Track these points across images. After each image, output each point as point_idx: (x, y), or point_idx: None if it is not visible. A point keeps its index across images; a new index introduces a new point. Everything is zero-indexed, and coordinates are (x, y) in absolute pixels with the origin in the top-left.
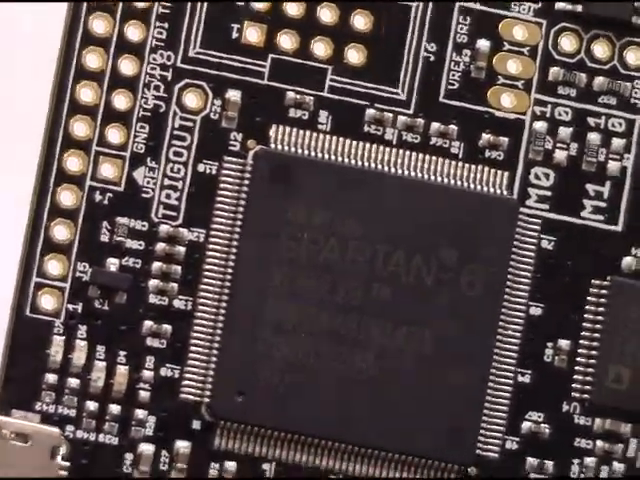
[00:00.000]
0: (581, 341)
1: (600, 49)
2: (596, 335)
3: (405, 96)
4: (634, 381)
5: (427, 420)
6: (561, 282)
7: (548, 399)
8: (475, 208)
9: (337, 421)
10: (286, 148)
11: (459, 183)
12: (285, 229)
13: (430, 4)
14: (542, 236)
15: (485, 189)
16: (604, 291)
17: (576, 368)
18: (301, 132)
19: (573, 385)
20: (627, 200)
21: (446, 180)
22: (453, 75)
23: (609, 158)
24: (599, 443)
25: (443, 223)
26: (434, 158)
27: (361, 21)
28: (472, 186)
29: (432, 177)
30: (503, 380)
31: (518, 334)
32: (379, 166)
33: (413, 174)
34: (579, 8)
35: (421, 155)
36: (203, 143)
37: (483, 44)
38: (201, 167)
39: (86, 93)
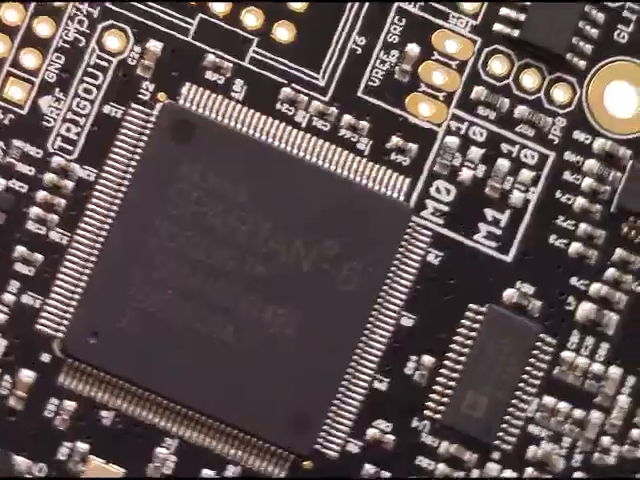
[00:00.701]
0: (446, 361)
1: (529, 79)
2: (462, 359)
3: (324, 83)
4: (489, 412)
5: (274, 403)
6: (439, 299)
7: (400, 411)
8: (368, 207)
9: (185, 384)
10: (194, 108)
11: (358, 179)
12: (175, 185)
13: None
14: (430, 249)
15: (383, 190)
16: (479, 317)
17: (434, 387)
18: (213, 95)
19: (427, 403)
20: (523, 233)
21: (346, 173)
22: (376, 73)
23: (514, 188)
24: (441, 466)
25: (334, 214)
26: (339, 149)
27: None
28: (370, 185)
29: (333, 167)
30: (358, 382)
31: (384, 340)
32: (283, 145)
33: (315, 160)
34: (516, 33)
35: (327, 144)
36: (114, 86)
37: (413, 49)
38: (107, 109)
39: (11, 13)
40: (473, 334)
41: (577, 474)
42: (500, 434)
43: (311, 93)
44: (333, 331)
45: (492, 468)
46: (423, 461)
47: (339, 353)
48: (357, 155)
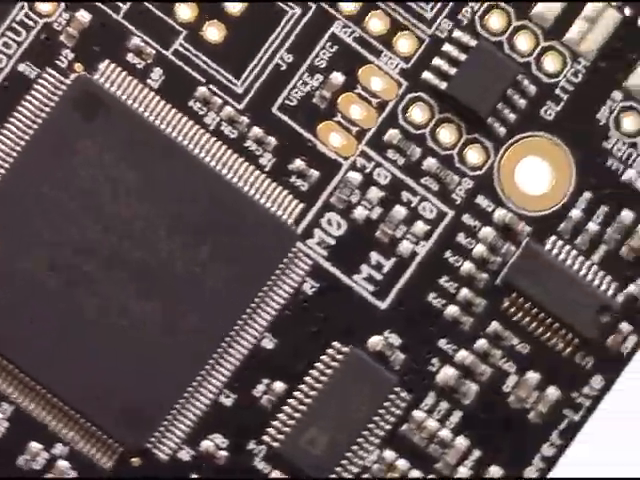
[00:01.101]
0: (296, 392)
1: (446, 133)
2: (312, 393)
3: (242, 90)
4: (327, 451)
5: (115, 392)
6: (304, 329)
7: (239, 430)
8: (255, 222)
9: (33, 352)
10: (107, 85)
11: (252, 192)
12: (70, 157)
13: (305, 18)
14: (307, 278)
15: (274, 210)
16: (339, 356)
17: (279, 414)
18: (129, 78)
19: (268, 428)
20: (403, 284)
21: (242, 184)
22: (295, 92)
23: (405, 237)
24: None
25: (220, 221)
26: (240, 160)
27: (236, 4)
28: (263, 201)
29: (230, 176)
30: (205, 391)
31: (240, 356)
32: (186, 142)
33: (214, 164)
34: (443, 86)
35: (230, 151)
36: (35, 47)
37: (337, 77)
38: (22, 67)
39: None
40: (329, 372)
41: None
42: (332, 476)
43: (226, 98)
44: (192, 336)
45: None
46: None
47: (192, 359)
48: (257, 169)
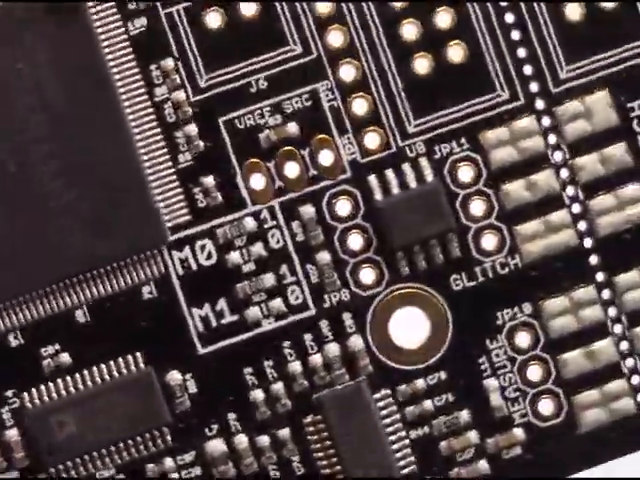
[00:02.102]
0: (79, 374)
1: (355, 240)
2: (92, 383)
3: (204, 85)
4: (66, 442)
5: None
6: (122, 323)
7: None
8: (138, 205)
9: None
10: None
11: (151, 178)
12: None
13: (301, 60)
14: (150, 283)
15: (161, 205)
16: (134, 369)
17: (51, 381)
18: (112, 11)
19: (34, 389)
20: (229, 344)
21: (147, 164)
22: (248, 118)
23: (258, 305)
24: None
25: (107, 184)
26: (162, 144)
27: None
28: (156, 192)
29: (142, 151)
30: None
31: (50, 311)
32: (123, 95)
33: (135, 131)
34: (378, 196)
35: (157, 130)
36: None
37: (293, 128)
38: None
39: None
40: (119, 376)
41: None
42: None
43: (186, 83)
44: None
45: None
46: None
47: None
48: (171, 162)
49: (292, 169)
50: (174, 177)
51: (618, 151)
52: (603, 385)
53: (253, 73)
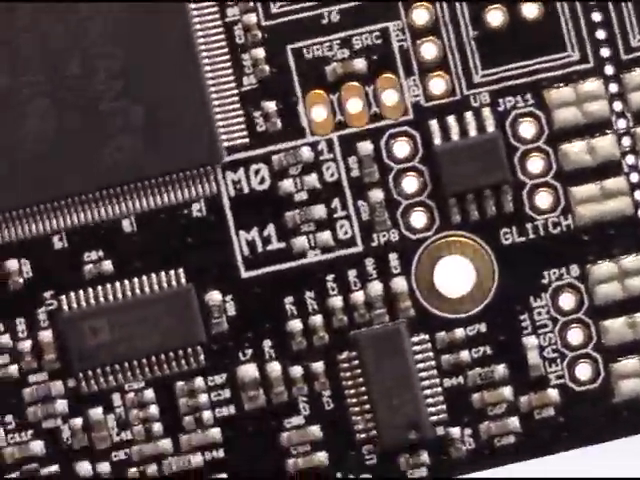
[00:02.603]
0: (119, 283)
1: (410, 183)
2: (132, 293)
3: (276, 10)
4: (98, 348)
5: None
6: (177, 239)
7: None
8: (197, 120)
9: None
10: None
11: (213, 96)
12: None
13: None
14: (201, 202)
15: (220, 125)
16: (175, 284)
17: (91, 288)
18: None
19: (72, 293)
20: (272, 270)
21: (210, 82)
22: (317, 49)
23: (305, 235)
24: None
25: (165, 97)
26: (228, 64)
27: None
28: (217, 110)
29: (206, 69)
30: None
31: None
32: (195, 17)
33: (203, 55)
34: (437, 141)
35: (225, 50)
36: None
37: (361, 62)
38: None
39: None
40: (159, 290)
41: None
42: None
43: (260, 9)
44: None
45: None
46: None
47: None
48: (235, 83)
49: (355, 105)
50: (237, 98)
51: None
52: None
53: (326, 5)
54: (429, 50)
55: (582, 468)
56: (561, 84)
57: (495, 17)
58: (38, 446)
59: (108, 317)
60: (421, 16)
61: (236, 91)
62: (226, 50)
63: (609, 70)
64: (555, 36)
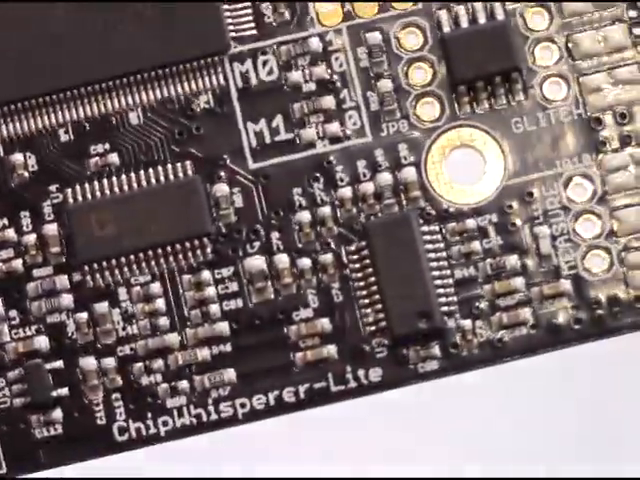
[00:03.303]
0: (124, 176)
1: (419, 74)
2: (138, 186)
3: None
4: (105, 241)
5: None
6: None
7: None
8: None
9: None
10: None
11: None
12: None
13: None
14: (208, 92)
15: (226, 15)
16: (181, 175)
17: (97, 179)
18: None
19: (77, 187)
20: (283, 161)
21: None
22: None
23: (318, 125)
24: None
25: None
26: None
27: None
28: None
29: None
30: None
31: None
32: None
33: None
34: (446, 29)
35: None
36: None
37: None
38: None
39: None
40: (173, 177)
41: None
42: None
43: None
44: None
45: None
46: None
47: None
48: None
49: None
50: None
51: None
52: None
53: None
54: None
55: None
56: None
57: None
58: (42, 341)
59: (114, 209)
60: None
61: None
62: None
63: None
64: None
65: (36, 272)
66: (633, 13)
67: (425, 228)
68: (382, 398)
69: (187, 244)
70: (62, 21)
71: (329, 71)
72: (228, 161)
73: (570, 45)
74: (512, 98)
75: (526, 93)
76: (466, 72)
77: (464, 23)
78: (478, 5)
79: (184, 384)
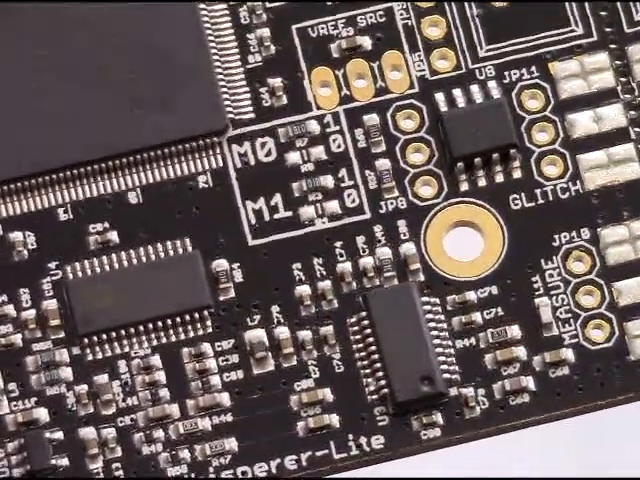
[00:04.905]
0: (125, 252)
1: (417, 155)
2: (137, 261)
3: None
4: (103, 314)
5: None
6: (177, 212)
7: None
8: (202, 88)
9: None
10: None
11: (219, 70)
12: None
13: None
14: (207, 173)
15: (224, 91)
16: (180, 251)
17: (96, 257)
18: None
19: (76, 263)
20: (274, 240)
21: (216, 57)
22: (322, 27)
23: (313, 204)
24: None
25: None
26: (235, 44)
27: None
28: (220, 77)
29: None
30: None
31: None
32: None
33: (206, 25)
34: (444, 109)
35: (230, 32)
36: None
37: (366, 41)
38: None
39: None
40: (164, 256)
41: None
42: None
43: None
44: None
45: None
46: None
47: None
48: (241, 61)
49: (360, 82)
50: (241, 70)
51: None
52: None
53: None
54: (434, 27)
55: None
56: (566, 57)
57: None
58: (42, 412)
59: (113, 282)
60: None
61: (241, 69)
62: (232, 31)
63: (612, 43)
64: (559, 12)
65: (35, 346)
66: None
67: (425, 299)
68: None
69: (187, 317)
70: (62, 100)
71: (327, 152)
72: (227, 238)
73: (566, 124)
74: (510, 175)
75: (523, 170)
76: (464, 148)
77: (461, 104)
78: (474, 87)
79: (185, 453)
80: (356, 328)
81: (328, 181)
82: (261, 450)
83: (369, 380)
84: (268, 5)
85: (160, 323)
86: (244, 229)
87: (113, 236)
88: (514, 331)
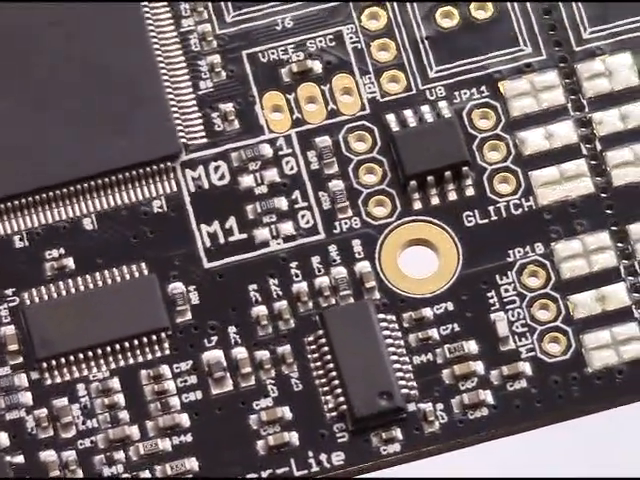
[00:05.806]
0: (86, 277)
1: (370, 175)
2: (95, 285)
3: (230, 21)
4: (61, 335)
5: None
6: (129, 236)
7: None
8: (155, 114)
9: None
10: None
11: (170, 96)
12: None
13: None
14: (161, 198)
15: (175, 116)
16: (137, 275)
17: (55, 282)
18: None
19: (34, 289)
20: (230, 263)
21: (166, 83)
22: (272, 52)
23: (268, 226)
24: None
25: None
26: (185, 71)
27: None
28: (173, 103)
29: (161, 65)
30: None
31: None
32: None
33: (159, 53)
34: (396, 129)
35: (182, 59)
36: None
37: (316, 65)
38: None
39: None
40: (120, 280)
41: None
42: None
43: (214, 18)
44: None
45: None
46: None
47: None
48: (192, 88)
49: (311, 106)
50: (192, 96)
51: (637, 109)
52: (613, 327)
53: (279, 13)
54: (383, 50)
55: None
56: (516, 76)
57: (447, 20)
58: (2, 437)
59: (70, 307)
60: (374, 20)
61: (193, 95)
62: (183, 58)
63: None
64: (507, 33)
65: None
66: (577, 110)
67: (382, 316)
68: None
69: (145, 339)
70: (14, 128)
71: (280, 174)
72: (183, 261)
73: (517, 142)
74: (463, 193)
75: (476, 187)
76: (416, 167)
77: (412, 124)
78: (425, 107)
79: (146, 474)
80: (314, 347)
81: (282, 203)
82: (222, 469)
83: (328, 397)
84: (218, 32)
85: (118, 346)
86: (199, 252)
87: (69, 262)
88: (471, 346)
